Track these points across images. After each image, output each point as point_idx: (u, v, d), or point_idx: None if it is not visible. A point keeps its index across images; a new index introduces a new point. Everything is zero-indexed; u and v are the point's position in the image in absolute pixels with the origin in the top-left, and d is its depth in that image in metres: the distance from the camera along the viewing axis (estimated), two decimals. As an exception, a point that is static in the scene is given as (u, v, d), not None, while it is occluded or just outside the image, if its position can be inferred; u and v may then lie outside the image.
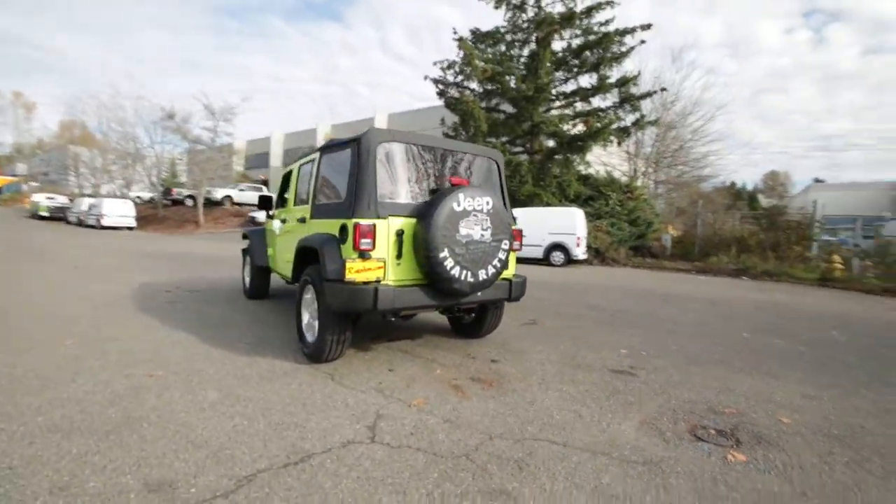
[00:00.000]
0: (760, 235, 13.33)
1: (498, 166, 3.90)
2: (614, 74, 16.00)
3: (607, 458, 2.23)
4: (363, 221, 3.01)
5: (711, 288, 9.15)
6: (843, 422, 2.78)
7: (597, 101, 16.45)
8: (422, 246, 3.03)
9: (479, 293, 3.38)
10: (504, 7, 16.83)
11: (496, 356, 3.84)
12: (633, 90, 15.68)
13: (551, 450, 2.30)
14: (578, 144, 15.11)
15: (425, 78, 17.80)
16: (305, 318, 3.64)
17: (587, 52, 15.88)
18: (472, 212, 3.16)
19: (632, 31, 15.45)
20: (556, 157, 16.10)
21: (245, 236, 6.20)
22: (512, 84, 15.62)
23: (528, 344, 4.26)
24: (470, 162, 3.71)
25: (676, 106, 20.96)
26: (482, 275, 3.25)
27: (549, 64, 15.45)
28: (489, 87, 16.32)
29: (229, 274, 8.20)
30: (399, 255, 3.16)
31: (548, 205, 14.76)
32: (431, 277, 3.12)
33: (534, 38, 16.74)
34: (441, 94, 17.98)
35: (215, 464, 2.03)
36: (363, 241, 2.99)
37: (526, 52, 17.26)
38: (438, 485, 1.96)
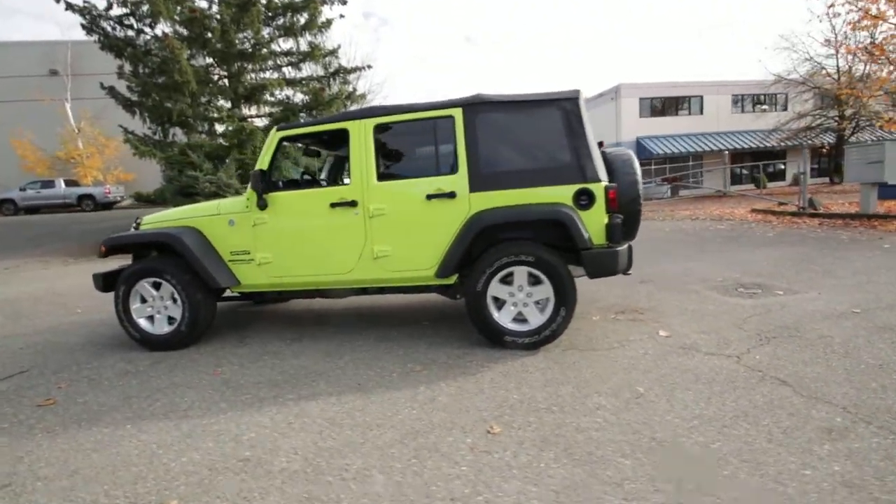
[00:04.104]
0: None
1: None
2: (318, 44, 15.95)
3: (775, 309, 3.61)
4: (610, 184, 2.97)
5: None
6: (753, 270, 5.15)
7: (306, 71, 16.01)
8: (635, 200, 3.28)
9: None
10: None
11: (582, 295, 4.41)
12: (344, 63, 16.21)
13: (776, 324, 3.45)
14: (312, 114, 14.51)
15: (58, 1, 11.91)
16: (495, 312, 3.04)
17: (290, 15, 15.05)
18: (629, 165, 3.62)
19: (331, 1, 15.71)
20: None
21: (128, 249, 3.41)
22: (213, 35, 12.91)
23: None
24: None
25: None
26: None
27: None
28: (186, 32, 12.81)
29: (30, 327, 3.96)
30: (608, 214, 3.26)
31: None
32: (631, 227, 3.41)
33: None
34: (89, 29, 12.61)
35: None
36: (616, 202, 2.98)
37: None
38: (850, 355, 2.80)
